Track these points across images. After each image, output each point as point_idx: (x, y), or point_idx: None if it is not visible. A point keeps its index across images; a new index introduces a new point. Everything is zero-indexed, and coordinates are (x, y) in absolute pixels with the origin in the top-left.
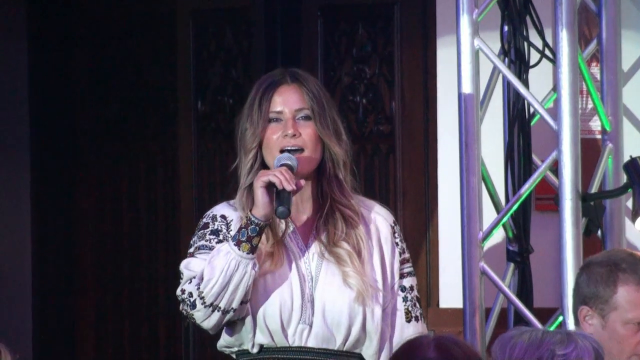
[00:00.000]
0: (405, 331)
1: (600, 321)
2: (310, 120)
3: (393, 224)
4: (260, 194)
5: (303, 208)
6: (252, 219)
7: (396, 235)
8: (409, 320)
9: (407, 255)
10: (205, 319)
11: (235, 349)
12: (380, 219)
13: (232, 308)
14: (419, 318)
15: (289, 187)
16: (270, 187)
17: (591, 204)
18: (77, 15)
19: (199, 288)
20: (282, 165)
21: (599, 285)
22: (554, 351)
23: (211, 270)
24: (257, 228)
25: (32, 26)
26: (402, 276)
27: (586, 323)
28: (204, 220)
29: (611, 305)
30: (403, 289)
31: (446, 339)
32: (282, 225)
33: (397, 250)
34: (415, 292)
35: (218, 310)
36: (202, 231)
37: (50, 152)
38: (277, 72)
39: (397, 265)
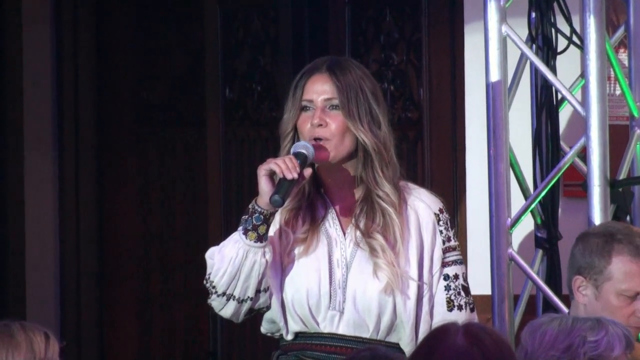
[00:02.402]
0: (447, 320)
1: (594, 291)
2: (339, 110)
3: (438, 212)
4: (263, 182)
5: (344, 194)
6: (256, 207)
7: (441, 223)
8: (450, 309)
9: (453, 243)
10: (222, 308)
11: (277, 334)
12: (423, 207)
13: (248, 297)
14: (464, 307)
15: (289, 175)
16: (274, 175)
17: (619, 190)
18: (104, 4)
19: (209, 277)
20: (294, 153)
21: (594, 256)
22: (585, 337)
23: (221, 259)
24: (261, 217)
25: (60, 14)
26: (445, 264)
27: (580, 293)
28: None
29: (605, 276)
30: (446, 277)
31: (475, 325)
32: (323, 210)
33: (439, 239)
34: (460, 281)
35: (233, 299)
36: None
37: (79, 140)
38: (319, 60)
39: (438, 253)
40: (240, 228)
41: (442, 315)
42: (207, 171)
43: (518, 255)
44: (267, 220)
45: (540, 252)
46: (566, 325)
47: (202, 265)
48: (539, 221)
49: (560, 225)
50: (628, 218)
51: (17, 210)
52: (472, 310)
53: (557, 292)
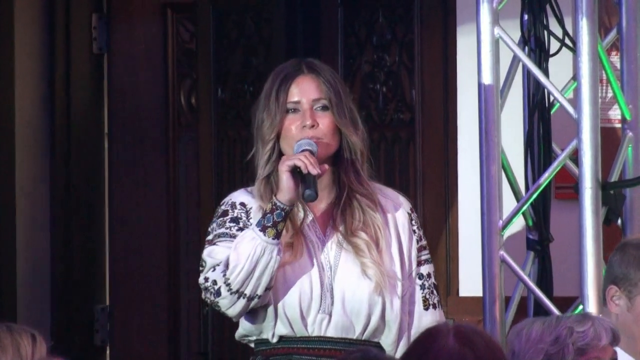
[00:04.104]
0: (423, 319)
1: (626, 303)
2: (328, 111)
3: (410, 211)
4: (285, 178)
5: (321, 197)
6: (278, 204)
7: (413, 222)
8: (426, 308)
9: (424, 242)
10: (231, 306)
11: (255, 337)
12: (397, 206)
13: (257, 294)
14: (437, 305)
15: (314, 170)
16: (294, 171)
17: (611, 192)
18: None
19: (225, 275)
20: (303, 150)
21: (630, 267)
22: (572, 328)
23: (237, 257)
24: (283, 213)
25: (53, 15)
26: (419, 263)
27: (613, 303)
28: (223, 207)
29: (639, 289)
30: (420, 276)
31: (465, 327)
32: (301, 214)
33: (414, 238)
34: (432, 280)
35: (243, 297)
36: (221, 218)
37: (73, 143)
38: (293, 62)
39: (414, 252)
40: (254, 225)
41: (418, 315)
42: (200, 171)
43: (509, 257)
44: (287, 216)
45: (532, 254)
46: (551, 321)
47: (198, 264)
48: (530, 223)
49: (551, 227)
50: (619, 221)
51: (7, 212)
52: (441, 308)
53: (549, 294)
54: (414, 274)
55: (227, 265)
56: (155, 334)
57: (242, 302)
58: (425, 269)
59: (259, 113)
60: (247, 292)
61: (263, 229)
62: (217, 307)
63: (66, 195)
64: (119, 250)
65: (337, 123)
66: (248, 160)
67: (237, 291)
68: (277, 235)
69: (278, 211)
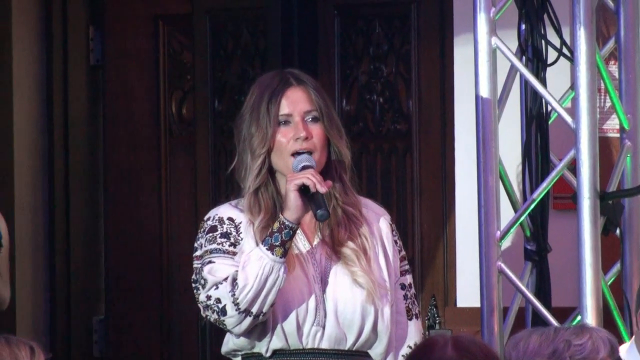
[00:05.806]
0: (407, 329)
1: None
2: (319, 122)
3: (390, 222)
4: (293, 197)
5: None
6: (286, 222)
7: (394, 232)
8: (410, 318)
9: (404, 252)
10: (237, 325)
11: (245, 352)
12: (379, 217)
13: (263, 312)
14: (418, 315)
15: (322, 189)
16: (300, 189)
17: (609, 202)
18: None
19: (233, 294)
20: (304, 167)
21: None
22: (569, 342)
23: (245, 277)
24: (291, 232)
25: (50, 30)
26: (402, 273)
27: None
28: (210, 222)
29: None
30: (403, 286)
31: (464, 338)
32: None
33: (396, 248)
34: (413, 290)
35: (250, 315)
36: (210, 234)
37: (71, 156)
38: (277, 75)
39: (397, 262)
40: (260, 244)
41: (403, 325)
42: (197, 183)
43: (507, 268)
44: (294, 235)
45: (530, 264)
46: (549, 333)
47: (190, 278)
48: (528, 233)
49: (549, 237)
50: (618, 231)
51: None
52: (420, 318)
53: (547, 304)
54: (397, 283)
55: (233, 285)
56: (151, 347)
57: (248, 320)
58: (407, 279)
59: (246, 127)
60: (254, 310)
61: (271, 248)
62: (222, 325)
63: (65, 207)
64: (113, 262)
65: (328, 133)
66: (228, 173)
67: (245, 310)
68: (284, 254)
69: (287, 230)
